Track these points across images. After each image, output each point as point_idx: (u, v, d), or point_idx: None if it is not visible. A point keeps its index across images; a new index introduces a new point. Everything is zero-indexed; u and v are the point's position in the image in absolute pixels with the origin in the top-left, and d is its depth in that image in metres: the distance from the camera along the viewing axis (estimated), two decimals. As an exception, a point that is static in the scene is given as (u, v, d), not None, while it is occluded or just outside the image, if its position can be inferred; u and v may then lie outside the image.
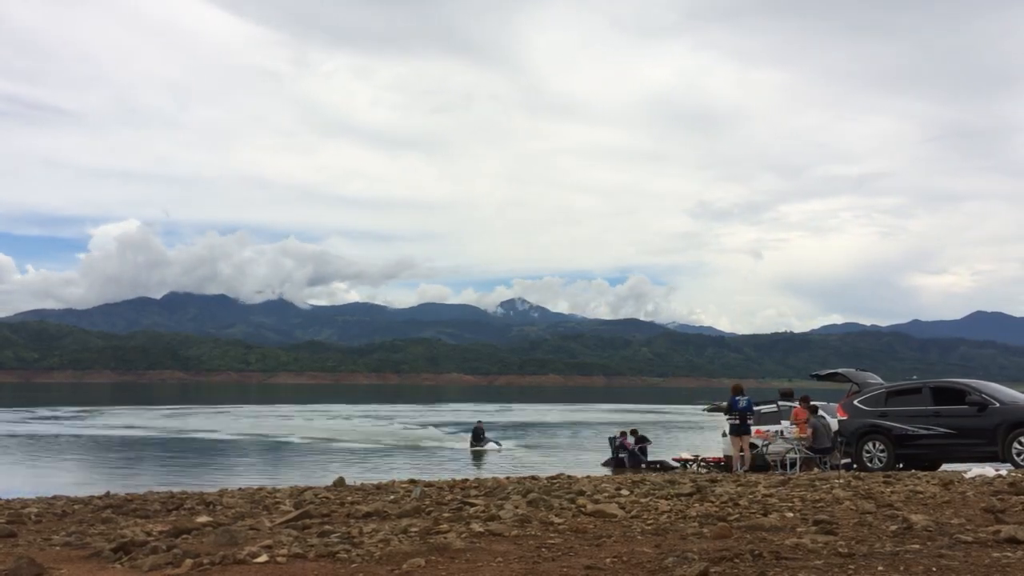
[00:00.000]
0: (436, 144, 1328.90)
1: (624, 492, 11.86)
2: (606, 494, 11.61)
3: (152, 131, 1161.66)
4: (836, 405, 21.84)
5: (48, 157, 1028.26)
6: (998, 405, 16.85)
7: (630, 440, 26.12)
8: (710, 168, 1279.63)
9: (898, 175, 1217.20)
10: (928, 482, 12.81)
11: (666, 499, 10.83)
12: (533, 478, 16.59)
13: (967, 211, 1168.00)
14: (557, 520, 8.76)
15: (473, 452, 34.31)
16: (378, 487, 14.50)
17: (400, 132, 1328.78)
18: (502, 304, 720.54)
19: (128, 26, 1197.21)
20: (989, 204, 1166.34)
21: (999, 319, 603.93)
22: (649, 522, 8.71)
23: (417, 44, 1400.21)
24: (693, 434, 45.90)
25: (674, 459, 24.99)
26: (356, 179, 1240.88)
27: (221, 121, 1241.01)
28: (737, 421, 19.78)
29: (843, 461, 18.95)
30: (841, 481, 13.32)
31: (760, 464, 19.63)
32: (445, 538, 7.48)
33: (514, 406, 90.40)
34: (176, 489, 16.23)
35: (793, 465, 18.83)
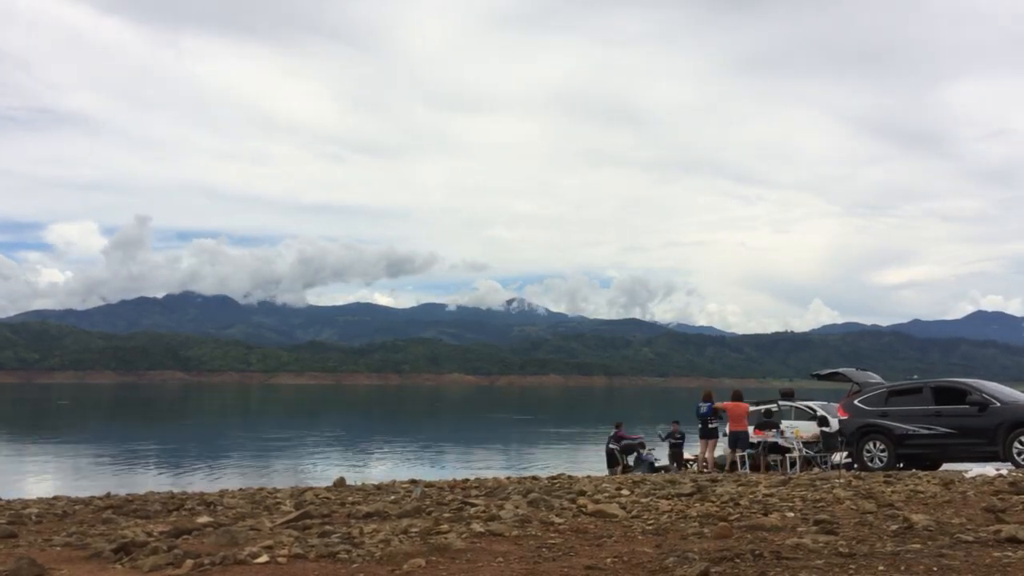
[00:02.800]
0: (373, 145, 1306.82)
1: (625, 492, 11.87)
2: (607, 494, 11.62)
3: (76, 137, 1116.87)
4: (837, 404, 21.89)
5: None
6: (999, 405, 16.85)
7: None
8: (652, 165, 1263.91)
9: (844, 170, 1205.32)
10: (929, 482, 12.81)
11: (667, 499, 10.83)
12: (534, 478, 16.61)
13: (927, 208, 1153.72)
14: (558, 520, 8.76)
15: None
16: (379, 487, 14.51)
17: (327, 131, 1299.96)
18: (503, 304, 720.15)
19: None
20: (947, 201, 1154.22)
21: (1000, 319, 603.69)
22: (650, 522, 8.71)
23: (302, 33, 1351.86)
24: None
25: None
26: (308, 184, 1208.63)
27: (143, 125, 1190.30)
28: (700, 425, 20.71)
29: (844, 460, 19.01)
30: (842, 481, 13.32)
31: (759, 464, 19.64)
32: (446, 538, 7.48)
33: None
34: (177, 489, 16.24)
35: (793, 465, 18.86)
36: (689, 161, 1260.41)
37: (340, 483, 15.30)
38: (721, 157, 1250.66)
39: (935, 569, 6.01)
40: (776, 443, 19.83)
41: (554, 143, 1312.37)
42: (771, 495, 11.10)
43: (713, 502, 10.43)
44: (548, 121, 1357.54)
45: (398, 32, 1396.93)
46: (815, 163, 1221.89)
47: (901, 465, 17.51)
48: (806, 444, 19.75)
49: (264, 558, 6.69)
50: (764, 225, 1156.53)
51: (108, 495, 14.03)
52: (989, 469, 14.96)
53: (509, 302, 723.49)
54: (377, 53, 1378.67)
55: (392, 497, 12.13)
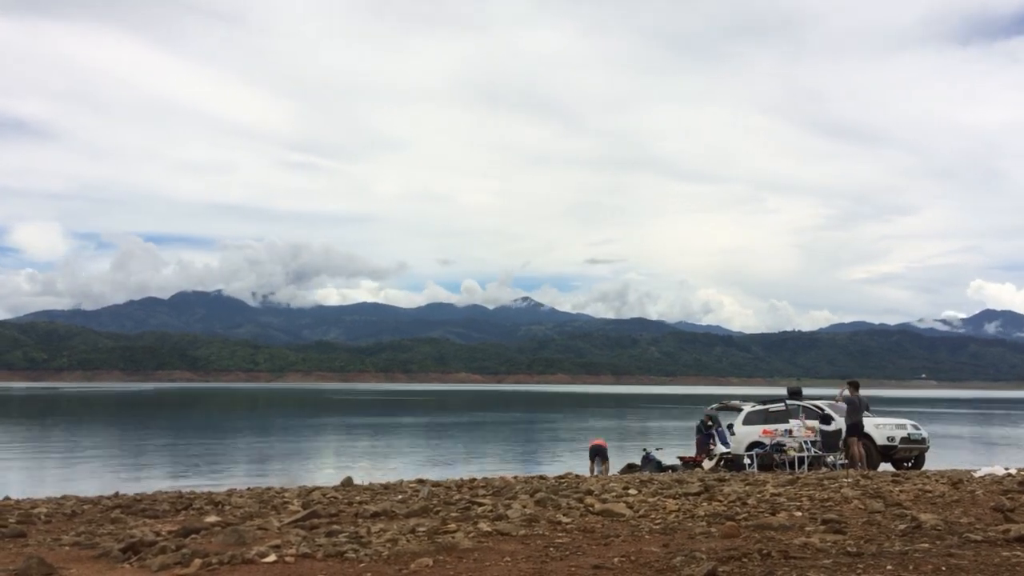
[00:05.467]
0: (323, 145, 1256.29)
1: (632, 491, 11.87)
2: (614, 493, 11.62)
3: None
4: (842, 405, 21.84)
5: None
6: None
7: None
8: (597, 162, 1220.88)
9: (791, 163, 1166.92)
10: (937, 481, 12.80)
11: (674, 498, 10.83)
12: (541, 477, 16.63)
13: (899, 203, 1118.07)
14: (565, 519, 8.78)
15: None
16: (386, 487, 14.55)
17: (259, 126, 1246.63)
18: (510, 303, 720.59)
19: None
20: (918, 196, 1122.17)
21: (1008, 317, 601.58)
22: (657, 521, 8.72)
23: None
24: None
25: (679, 458, 24.95)
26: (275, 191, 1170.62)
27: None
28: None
29: (840, 461, 19.07)
30: (849, 480, 13.31)
31: (766, 463, 19.62)
32: (453, 538, 7.50)
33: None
34: (185, 489, 16.30)
35: (801, 464, 18.84)
36: (632, 157, 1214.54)
37: (347, 483, 15.34)
38: (664, 153, 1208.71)
39: (943, 569, 6.00)
40: (780, 443, 19.80)
41: (482, 138, 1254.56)
42: (779, 494, 11.09)
43: (720, 501, 10.43)
44: (472, 114, 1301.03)
45: (266, 16, 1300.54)
46: (762, 157, 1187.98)
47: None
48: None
49: (272, 557, 6.72)
50: (733, 223, 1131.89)
51: (117, 495, 14.10)
52: (998, 468, 14.93)
53: (516, 301, 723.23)
54: (260, 35, 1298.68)
55: (399, 496, 12.16)
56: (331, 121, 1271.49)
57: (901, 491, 11.27)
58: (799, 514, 9.06)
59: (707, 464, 22.16)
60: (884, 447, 19.65)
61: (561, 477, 16.64)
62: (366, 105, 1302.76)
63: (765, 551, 6.65)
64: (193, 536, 8.09)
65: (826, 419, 20.35)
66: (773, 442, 20.21)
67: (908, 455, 20.00)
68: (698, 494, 11.27)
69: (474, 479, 16.34)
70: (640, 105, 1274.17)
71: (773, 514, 9.06)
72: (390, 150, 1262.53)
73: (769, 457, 19.69)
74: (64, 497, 14.02)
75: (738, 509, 9.55)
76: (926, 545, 6.87)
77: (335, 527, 8.47)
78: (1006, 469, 15.00)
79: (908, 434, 19.82)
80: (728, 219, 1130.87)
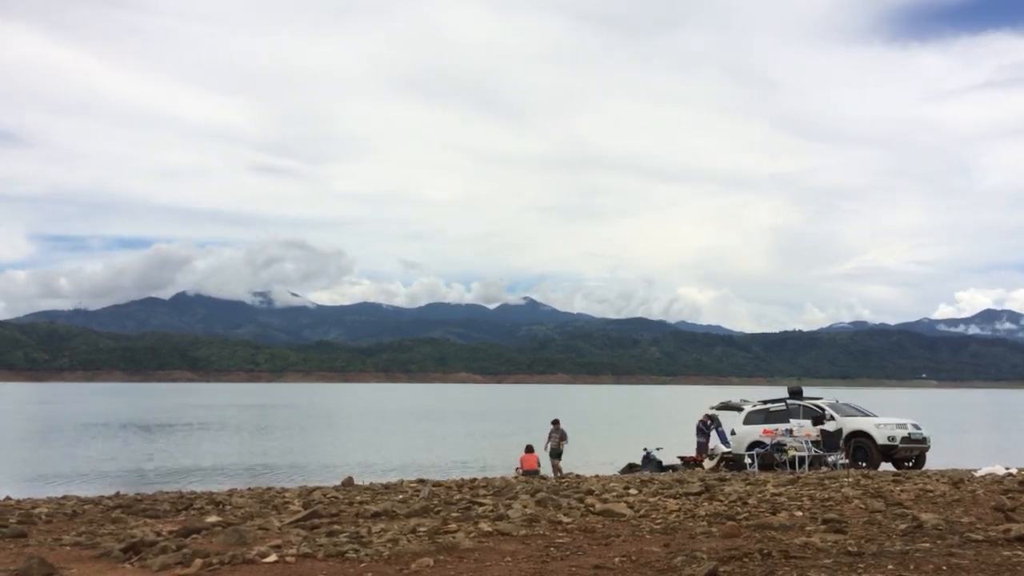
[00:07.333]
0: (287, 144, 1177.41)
1: (633, 491, 11.87)
2: (615, 493, 11.63)
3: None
4: (846, 404, 21.85)
5: None
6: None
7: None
8: (573, 162, 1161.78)
9: (742, 157, 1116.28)
10: (938, 481, 12.81)
11: (675, 498, 10.83)
12: (542, 477, 16.64)
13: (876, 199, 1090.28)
14: (566, 519, 8.79)
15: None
16: (387, 487, 14.55)
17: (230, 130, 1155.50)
18: (510, 303, 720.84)
19: None
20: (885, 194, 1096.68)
21: (1009, 317, 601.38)
22: (658, 521, 8.73)
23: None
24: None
25: (680, 457, 24.95)
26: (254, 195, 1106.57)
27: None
28: None
29: (841, 460, 19.08)
30: (850, 480, 13.31)
31: (767, 463, 19.61)
32: (454, 538, 7.51)
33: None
34: (186, 489, 16.31)
35: (802, 463, 18.84)
36: (609, 156, 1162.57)
37: (348, 482, 15.34)
38: (637, 151, 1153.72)
39: (944, 568, 6.00)
40: (781, 442, 19.79)
41: (459, 137, 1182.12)
42: (779, 494, 11.10)
43: (721, 501, 10.43)
44: (437, 113, 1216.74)
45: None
46: (731, 154, 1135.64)
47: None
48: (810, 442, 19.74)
49: (273, 557, 6.72)
50: (721, 221, 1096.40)
51: (117, 495, 14.10)
52: (998, 468, 14.95)
53: (516, 301, 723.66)
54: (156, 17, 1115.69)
55: (400, 496, 12.17)
56: (295, 122, 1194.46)
57: (902, 491, 11.28)
58: (800, 514, 9.06)
59: (708, 464, 22.15)
60: (885, 447, 19.65)
61: (562, 477, 16.65)
62: (325, 102, 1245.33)
63: (766, 551, 6.65)
64: (194, 536, 8.10)
65: (818, 419, 20.39)
66: (774, 442, 20.21)
67: (909, 455, 20.00)
68: (699, 494, 11.28)
69: (475, 479, 16.34)
70: (593, 101, 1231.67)
71: (774, 514, 9.06)
72: (369, 151, 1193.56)
73: (770, 457, 19.69)
74: (65, 497, 14.02)
75: (739, 509, 9.56)
76: (927, 545, 6.87)
77: (336, 527, 8.48)
78: (1007, 469, 15.01)
79: (909, 434, 19.81)
80: (717, 217, 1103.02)
